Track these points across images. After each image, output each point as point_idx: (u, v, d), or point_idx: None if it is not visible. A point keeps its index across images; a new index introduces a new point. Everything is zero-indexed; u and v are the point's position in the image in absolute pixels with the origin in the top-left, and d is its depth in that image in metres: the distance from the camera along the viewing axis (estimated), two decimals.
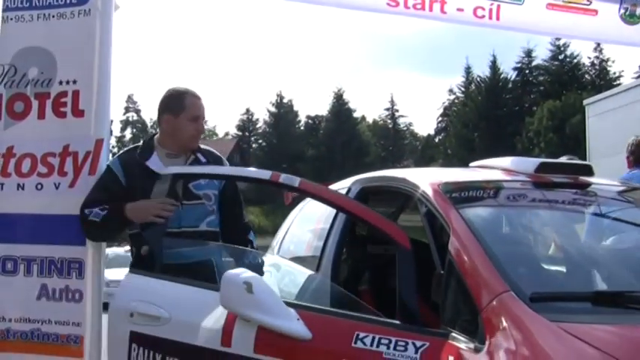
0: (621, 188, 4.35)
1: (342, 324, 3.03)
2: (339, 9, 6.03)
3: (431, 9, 5.87)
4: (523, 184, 3.76)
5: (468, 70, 71.03)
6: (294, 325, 3.00)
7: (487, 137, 59.14)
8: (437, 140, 76.54)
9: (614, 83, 55.58)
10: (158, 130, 4.27)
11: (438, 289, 2.99)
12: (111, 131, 4.66)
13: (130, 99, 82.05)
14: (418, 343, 2.82)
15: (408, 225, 4.86)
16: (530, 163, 3.80)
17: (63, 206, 4.06)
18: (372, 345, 2.88)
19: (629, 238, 3.94)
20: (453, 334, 2.77)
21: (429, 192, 3.42)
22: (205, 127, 5.60)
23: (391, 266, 3.52)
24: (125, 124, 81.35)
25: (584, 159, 16.18)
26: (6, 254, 4.10)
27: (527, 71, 67.12)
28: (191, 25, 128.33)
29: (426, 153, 72.57)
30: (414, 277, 3.03)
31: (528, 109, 61.91)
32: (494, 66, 65.81)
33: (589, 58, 65.51)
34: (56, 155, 4.13)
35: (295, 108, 77.21)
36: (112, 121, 5.46)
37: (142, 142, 4.27)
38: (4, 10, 4.34)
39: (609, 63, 65.19)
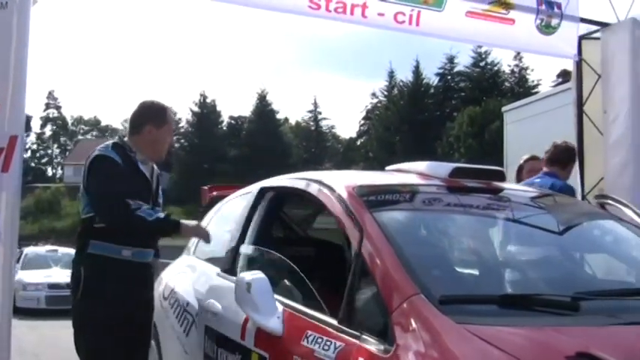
0: (533, 194, 4.46)
1: (302, 322, 3.16)
2: (262, 10, 6.03)
3: (352, 13, 5.92)
4: (437, 188, 3.83)
5: (391, 75, 71.90)
6: (270, 321, 3.20)
7: (408, 141, 59.80)
8: (359, 143, 77.12)
9: (533, 91, 56.82)
10: (128, 134, 4.39)
11: (351, 290, 3.02)
12: (30, 128, 4.61)
13: (50, 95, 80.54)
14: (337, 344, 2.87)
15: (325, 228, 4.90)
16: (444, 168, 3.86)
17: None
18: (311, 343, 3.00)
19: (540, 242, 4.04)
20: (364, 336, 2.79)
21: (344, 195, 3.44)
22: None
23: (315, 268, 3.64)
24: (45, 120, 79.77)
25: (502, 165, 16.52)
26: None
27: (449, 77, 68.23)
28: (113, 21, 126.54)
29: (347, 155, 73.06)
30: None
31: (449, 114, 62.84)
32: (417, 71, 66.72)
33: (509, 66, 67.12)
34: None
35: (218, 108, 77.08)
36: (31, 117, 5.37)
37: (118, 140, 4.39)
38: None
39: (528, 71, 66.99)
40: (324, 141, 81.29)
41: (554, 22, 6.83)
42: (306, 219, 5.30)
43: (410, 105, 64.05)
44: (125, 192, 4.03)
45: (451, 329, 2.55)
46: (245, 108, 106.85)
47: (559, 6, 6.84)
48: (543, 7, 6.76)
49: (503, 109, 24.72)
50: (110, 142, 4.33)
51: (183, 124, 77.37)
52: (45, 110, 79.14)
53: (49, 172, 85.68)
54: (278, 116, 76.27)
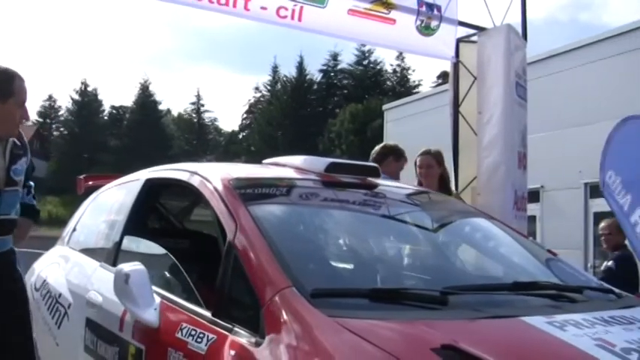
0: (408, 191, 4.54)
1: (178, 314, 3.13)
2: None
3: (235, 5, 5.87)
4: (313, 182, 3.85)
5: (275, 69, 71.88)
6: (147, 313, 3.13)
7: (290, 136, 59.98)
8: (241, 137, 76.84)
9: (414, 91, 57.95)
10: None
11: (223, 283, 3.01)
12: None
13: None
14: (210, 336, 2.85)
15: (202, 220, 4.85)
16: (320, 163, 3.89)
17: None
18: (185, 335, 2.97)
19: (413, 238, 4.12)
20: (236, 329, 2.77)
21: (220, 187, 3.42)
22: None
23: (194, 261, 3.63)
24: None
25: None
26: None
27: (332, 74, 68.75)
28: None
29: (229, 149, 72.64)
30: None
31: (332, 111, 63.32)
32: (300, 67, 66.96)
33: (391, 65, 68.23)
34: None
35: (100, 97, 75.28)
36: None
37: None
38: None
39: (410, 71, 68.29)
40: (206, 133, 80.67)
41: (433, 23, 6.97)
42: (185, 210, 5.24)
43: (293, 100, 64.24)
44: None
45: (322, 322, 2.56)
46: (127, 98, 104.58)
47: (439, 9, 6.98)
48: (423, 8, 6.88)
49: (384, 107, 25.13)
50: None
51: (63, 112, 75.41)
52: None
53: None
54: (160, 107, 75.35)
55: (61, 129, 74.74)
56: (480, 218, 4.36)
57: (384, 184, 4.23)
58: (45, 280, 4.71)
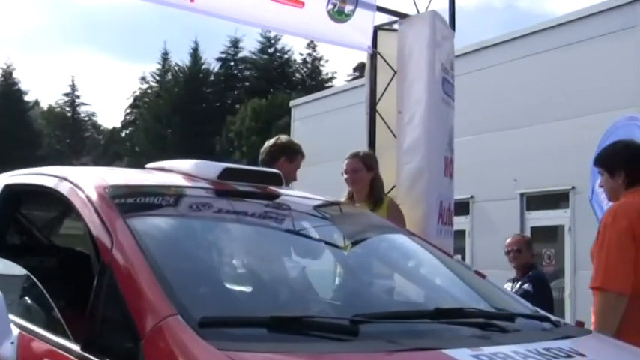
0: (316, 202, 4.55)
1: (40, 348, 3.08)
2: None
3: None
4: (205, 191, 3.85)
5: (165, 57, 71.12)
6: (2, 348, 3.05)
7: (182, 135, 59.45)
8: (124, 135, 75.83)
9: (327, 85, 58.32)
10: None
11: (96, 310, 2.97)
12: None
13: None
14: None
15: (72, 234, 4.77)
16: (213, 168, 3.89)
17: None
18: None
19: (322, 257, 4.15)
20: None
21: (94, 196, 3.38)
22: None
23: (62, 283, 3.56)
24: None
25: None
26: None
27: (232, 63, 68.45)
28: None
29: (109, 149, 71.63)
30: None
31: (231, 106, 63.09)
32: (195, 54, 66.38)
33: (301, 55, 68.22)
34: None
35: None
36: None
37: None
38: None
39: (322, 62, 68.32)
40: (83, 131, 79.33)
41: (347, 8, 7.00)
42: (52, 223, 5.15)
43: (185, 93, 63.67)
44: None
45: (211, 356, 2.55)
46: None
47: None
48: None
49: (292, 103, 25.27)
50: None
51: None
52: None
53: None
54: (27, 98, 73.59)
55: None
56: (399, 234, 4.43)
57: (288, 193, 4.26)
58: None
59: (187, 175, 3.96)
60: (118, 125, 78.24)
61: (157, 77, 71.62)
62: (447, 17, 7.46)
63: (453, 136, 7.27)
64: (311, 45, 65.61)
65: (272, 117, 50.56)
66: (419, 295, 3.92)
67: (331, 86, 50.77)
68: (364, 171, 6.45)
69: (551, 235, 15.81)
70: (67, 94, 79.44)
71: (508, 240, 8.43)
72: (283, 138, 6.76)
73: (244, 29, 66.32)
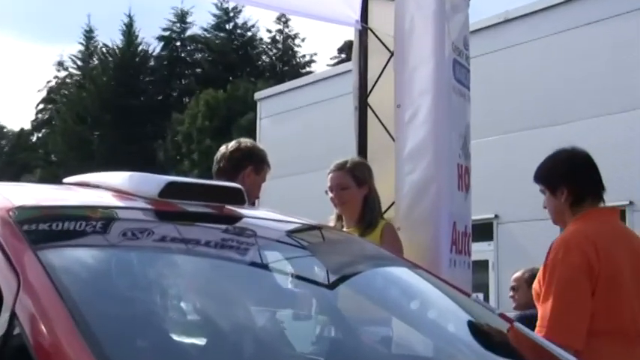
0: (290, 226, 4.55)
1: None
2: None
3: None
4: (143, 213, 3.86)
5: (88, 35, 71.00)
6: None
7: (113, 139, 59.37)
8: (35, 139, 75.73)
9: (303, 71, 58.42)
10: None
11: None
12: None
13: None
14: None
15: None
16: (153, 183, 3.89)
17: None
18: None
19: (298, 298, 4.17)
20: None
21: None
22: None
23: None
24: None
25: None
26: None
27: (178, 44, 68.42)
28: None
29: (16, 158, 71.48)
30: None
31: (177, 100, 63.09)
32: (129, 32, 66.28)
33: (269, 32, 68.31)
34: None
35: None
36: None
37: None
38: None
39: (297, 41, 68.32)
40: None
41: None
42: None
43: (117, 83, 63.59)
44: None
45: None
46: None
47: None
48: None
49: (258, 95, 25.31)
50: None
51: None
52: None
53: None
54: None
55: None
56: (399, 267, 4.44)
57: (253, 215, 4.26)
58: None
59: (119, 193, 3.97)
60: (27, 126, 78.14)
61: (79, 62, 71.52)
62: None
63: (470, 137, 7.28)
64: (282, 19, 65.68)
65: (232, 114, 50.59)
66: (425, 349, 3.94)
67: (309, 73, 50.88)
68: (354, 187, 6.45)
69: None
70: None
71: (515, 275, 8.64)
72: (247, 142, 6.70)
73: None
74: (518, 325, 4.02)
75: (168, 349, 3.33)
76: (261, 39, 68.26)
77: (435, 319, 4.15)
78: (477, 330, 3.99)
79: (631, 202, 14.59)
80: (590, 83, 15.36)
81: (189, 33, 68.49)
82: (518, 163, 16.04)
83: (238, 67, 63.74)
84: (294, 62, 66.17)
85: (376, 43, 7.42)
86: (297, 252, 4.36)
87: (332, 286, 4.23)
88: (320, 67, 58.67)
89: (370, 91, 7.45)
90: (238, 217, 4.11)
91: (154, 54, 67.94)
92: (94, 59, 69.36)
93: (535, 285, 5.02)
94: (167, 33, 68.26)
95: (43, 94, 75.82)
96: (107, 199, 3.94)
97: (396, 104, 7.01)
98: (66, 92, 70.81)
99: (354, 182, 6.45)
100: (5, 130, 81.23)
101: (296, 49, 68.41)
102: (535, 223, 16.16)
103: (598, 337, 4.77)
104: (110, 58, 66.65)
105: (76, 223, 3.73)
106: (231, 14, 66.49)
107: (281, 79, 44.13)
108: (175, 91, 66.12)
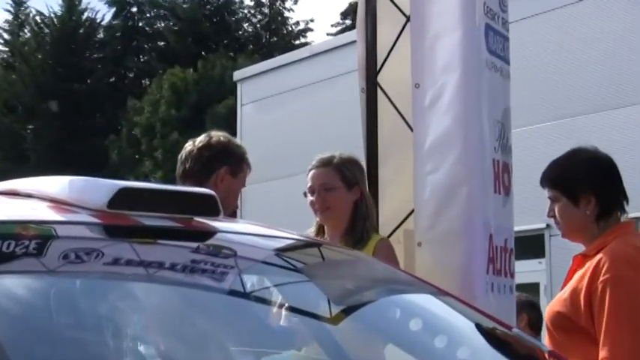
0: (281, 243, 4.54)
1: None
2: None
3: None
4: (89, 230, 3.86)
5: (18, 1, 70.96)
6: None
7: (51, 135, 59.42)
8: None
9: (296, 42, 58.49)
10: None
11: None
12: None
13: None
14: None
15: None
16: (101, 191, 3.87)
17: None
18: None
19: (293, 338, 4.19)
20: None
21: None
22: None
23: None
24: None
25: None
26: None
27: (134, 9, 68.48)
28: None
29: None
30: None
31: (134, 82, 63.12)
32: None
33: None
34: None
35: None
36: None
37: None
38: None
39: (289, 3, 68.24)
40: None
41: None
42: None
43: (55, 62, 63.64)
44: None
45: None
46: None
47: None
48: None
49: (237, 75, 25.33)
50: None
51: None
52: None
53: None
54: None
55: None
56: (422, 295, 4.45)
57: (230, 229, 4.27)
58: None
59: (57, 203, 3.97)
60: None
61: (5, 36, 71.51)
62: None
63: (510, 126, 7.28)
64: None
65: (205, 100, 50.51)
66: None
67: (304, 45, 50.95)
68: (341, 189, 6.45)
69: None
70: None
71: None
72: (220, 135, 6.58)
73: None
74: None
75: None
76: (241, 2, 68.35)
77: None
78: None
79: None
80: None
81: None
82: None
83: (212, 40, 63.78)
84: (285, 32, 66.20)
85: (388, 7, 7.44)
86: (289, 277, 4.36)
87: (335, 320, 4.24)
88: (318, 38, 58.96)
89: (380, 68, 7.46)
90: (212, 233, 4.09)
91: (104, 23, 67.99)
92: (26, 31, 69.37)
93: (560, 307, 5.02)
94: None
95: None
96: (42, 212, 3.93)
97: (414, 84, 7.01)
98: None
99: (343, 183, 6.45)
100: None
101: (287, 14, 68.49)
102: None
103: None
104: (46, 30, 66.61)
105: (2, 243, 3.73)
106: None
107: (268, 53, 44.05)
108: (131, 72, 66.17)
